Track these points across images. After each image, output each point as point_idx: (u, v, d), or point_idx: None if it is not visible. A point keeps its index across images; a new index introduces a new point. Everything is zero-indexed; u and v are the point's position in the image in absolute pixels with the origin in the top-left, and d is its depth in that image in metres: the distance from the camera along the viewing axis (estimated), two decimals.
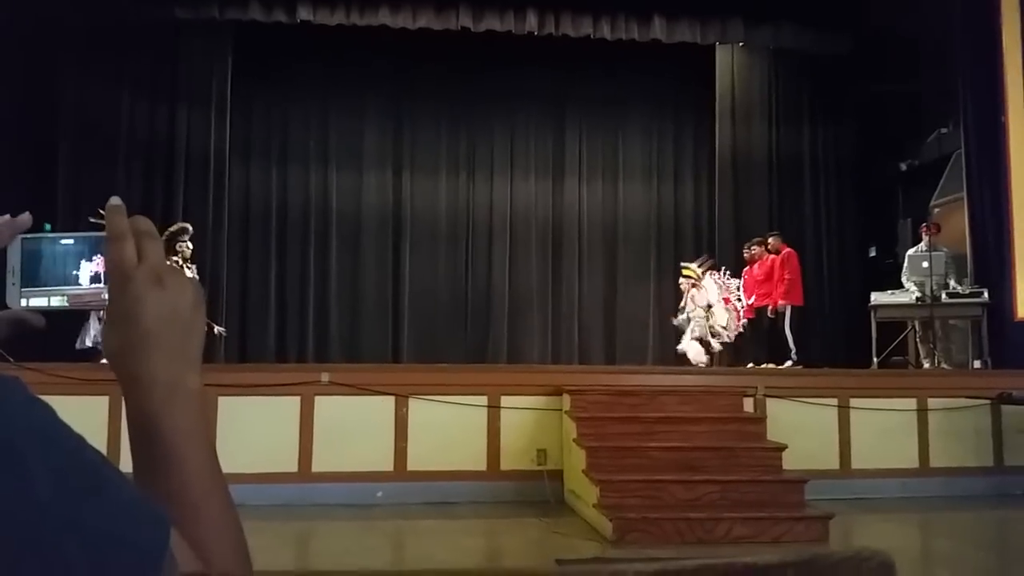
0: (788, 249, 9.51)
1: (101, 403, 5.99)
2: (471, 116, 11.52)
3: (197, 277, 7.98)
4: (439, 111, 11.42)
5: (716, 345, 9.43)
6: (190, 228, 8.28)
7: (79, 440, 0.53)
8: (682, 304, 9.80)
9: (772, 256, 9.52)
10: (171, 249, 7.97)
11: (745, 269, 9.81)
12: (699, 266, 9.81)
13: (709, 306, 9.51)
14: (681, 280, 9.83)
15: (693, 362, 9.22)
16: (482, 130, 11.60)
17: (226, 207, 10.21)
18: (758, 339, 9.54)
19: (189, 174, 10.04)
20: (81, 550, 0.47)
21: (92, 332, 7.68)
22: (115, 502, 0.51)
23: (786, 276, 9.29)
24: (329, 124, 11.26)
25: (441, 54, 10.57)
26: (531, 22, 9.88)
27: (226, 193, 10.23)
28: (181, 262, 7.93)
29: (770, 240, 9.60)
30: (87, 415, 5.90)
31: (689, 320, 9.56)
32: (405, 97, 11.31)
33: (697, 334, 9.43)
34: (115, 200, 0.70)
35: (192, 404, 0.64)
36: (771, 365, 8.79)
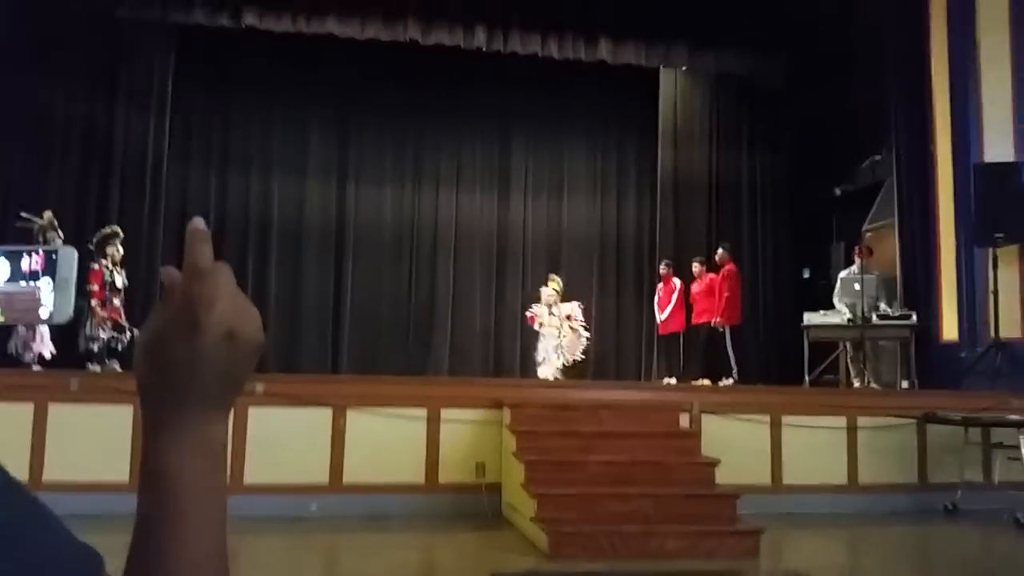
0: (730, 265, 9.69)
1: (26, 411, 5.81)
2: (417, 129, 11.51)
3: (127, 282, 7.79)
4: (385, 123, 11.38)
5: (563, 361, 9.53)
6: (121, 232, 8.09)
7: (8, 492, 0.50)
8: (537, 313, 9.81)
9: (710, 275, 9.69)
10: (102, 252, 7.77)
11: (659, 286, 10.00)
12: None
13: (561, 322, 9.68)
14: (548, 291, 9.82)
15: (550, 377, 9.28)
16: (428, 143, 11.60)
17: (162, 211, 9.99)
18: (693, 356, 9.69)
19: (125, 175, 9.81)
20: None
21: (20, 338, 7.43)
22: (30, 562, 0.49)
23: (726, 294, 9.48)
24: (272, 131, 11.13)
25: (389, 66, 10.55)
26: (480, 38, 9.94)
27: (163, 196, 10.02)
28: (111, 266, 7.74)
29: (719, 252, 9.73)
30: (11, 422, 5.71)
31: (543, 336, 9.65)
32: (351, 107, 11.24)
33: (553, 347, 9.56)
34: (200, 223, 0.62)
35: (214, 458, 0.61)
36: (706, 382, 8.94)
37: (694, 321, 9.66)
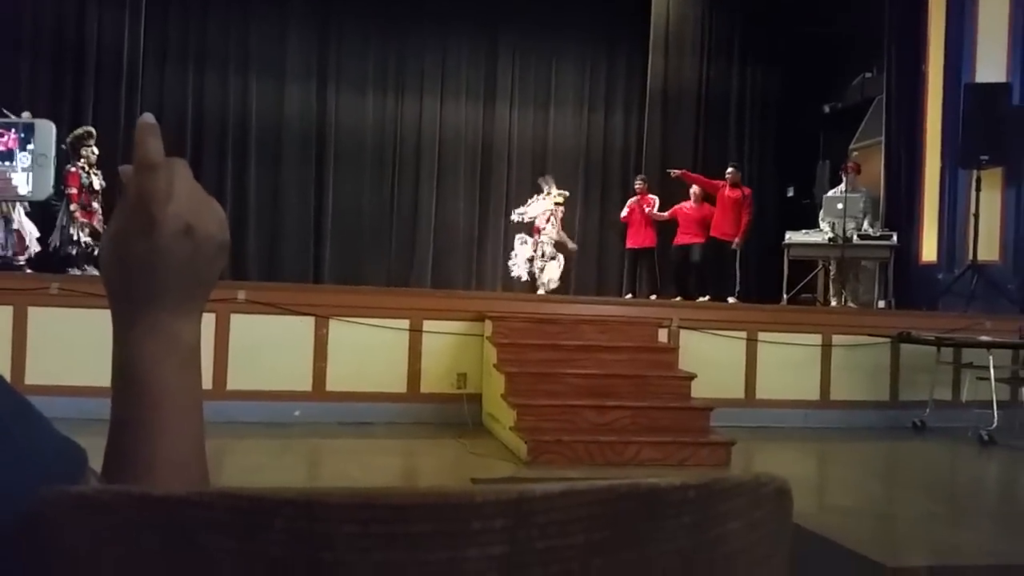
0: (748, 188, 9.58)
1: (5, 314, 5.78)
2: (401, 32, 11.18)
3: (104, 184, 7.63)
4: (367, 25, 11.04)
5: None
6: (94, 132, 7.87)
7: None
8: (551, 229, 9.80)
9: (725, 187, 9.42)
10: (77, 154, 7.58)
11: (631, 201, 9.89)
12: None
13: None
14: (558, 206, 9.79)
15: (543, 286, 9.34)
16: (413, 48, 11.28)
17: (138, 111, 9.71)
18: (686, 273, 9.67)
19: (100, 75, 9.52)
20: None
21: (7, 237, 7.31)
22: (22, 451, 0.49)
23: (747, 217, 9.37)
24: (250, 30, 10.77)
25: None
26: None
27: (139, 97, 9.75)
28: (87, 168, 7.56)
29: (731, 172, 9.51)
30: None
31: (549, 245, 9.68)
32: (333, 6, 10.88)
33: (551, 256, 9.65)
34: (149, 118, 0.61)
35: (184, 357, 0.61)
36: (679, 298, 8.95)
37: (687, 240, 9.53)
